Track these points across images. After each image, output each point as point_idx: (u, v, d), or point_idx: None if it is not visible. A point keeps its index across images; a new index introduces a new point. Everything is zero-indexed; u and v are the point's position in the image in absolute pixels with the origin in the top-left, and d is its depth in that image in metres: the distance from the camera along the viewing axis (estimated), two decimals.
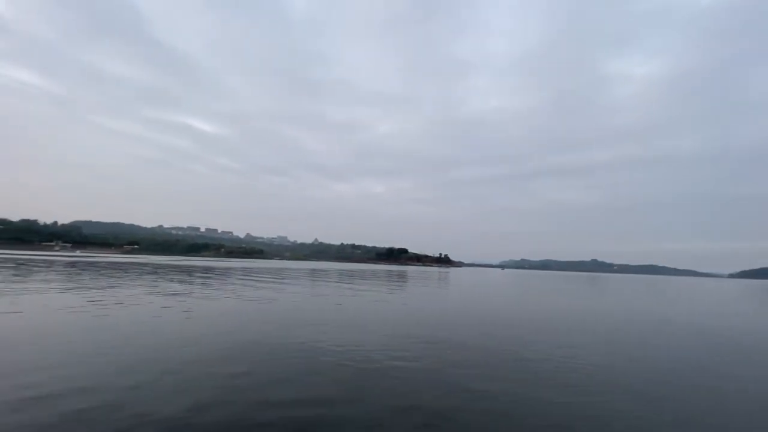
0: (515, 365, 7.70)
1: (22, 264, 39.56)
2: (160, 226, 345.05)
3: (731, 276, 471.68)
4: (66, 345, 7.75)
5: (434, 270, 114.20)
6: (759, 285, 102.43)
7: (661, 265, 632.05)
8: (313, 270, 63.01)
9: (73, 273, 29.54)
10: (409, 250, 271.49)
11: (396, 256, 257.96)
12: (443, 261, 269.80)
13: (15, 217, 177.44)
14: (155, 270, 38.36)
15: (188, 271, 40.38)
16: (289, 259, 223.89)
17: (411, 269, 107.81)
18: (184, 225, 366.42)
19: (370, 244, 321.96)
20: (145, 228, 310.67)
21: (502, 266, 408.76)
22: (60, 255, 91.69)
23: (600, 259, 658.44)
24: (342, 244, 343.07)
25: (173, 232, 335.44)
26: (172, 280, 26.03)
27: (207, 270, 43.87)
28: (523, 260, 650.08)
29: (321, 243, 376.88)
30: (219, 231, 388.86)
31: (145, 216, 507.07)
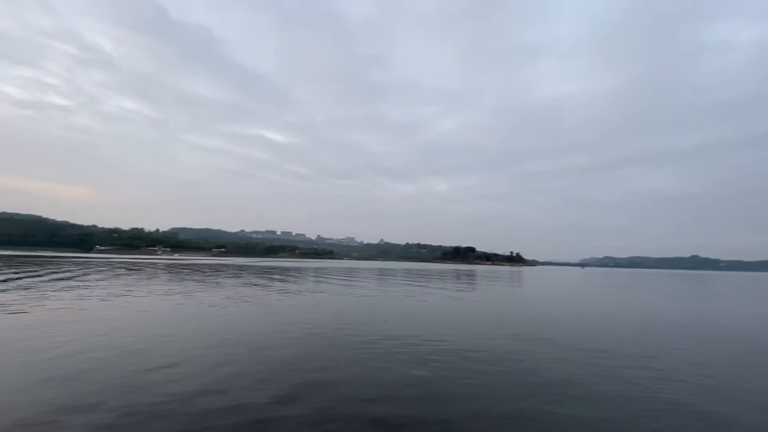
0: (607, 380, 6.58)
1: (137, 266, 45.66)
2: (242, 231, 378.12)
3: None
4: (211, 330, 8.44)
5: (505, 269, 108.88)
6: None
7: None
8: (381, 269, 63.81)
9: (195, 273, 33.27)
10: (477, 249, 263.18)
11: (463, 255, 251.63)
12: (515, 260, 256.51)
13: (126, 226, 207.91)
14: (240, 271, 41.76)
15: (280, 271, 43.29)
16: (357, 259, 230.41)
17: (480, 268, 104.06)
18: (263, 229, 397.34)
19: (435, 244, 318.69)
20: (230, 233, 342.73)
21: (582, 265, 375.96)
22: (162, 258, 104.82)
23: (703, 255, 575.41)
24: (407, 243, 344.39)
25: (253, 235, 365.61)
26: (273, 280, 27.93)
27: (294, 270, 46.65)
28: (607, 258, 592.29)
29: (387, 243, 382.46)
30: (293, 234, 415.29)
31: (230, 221, 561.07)
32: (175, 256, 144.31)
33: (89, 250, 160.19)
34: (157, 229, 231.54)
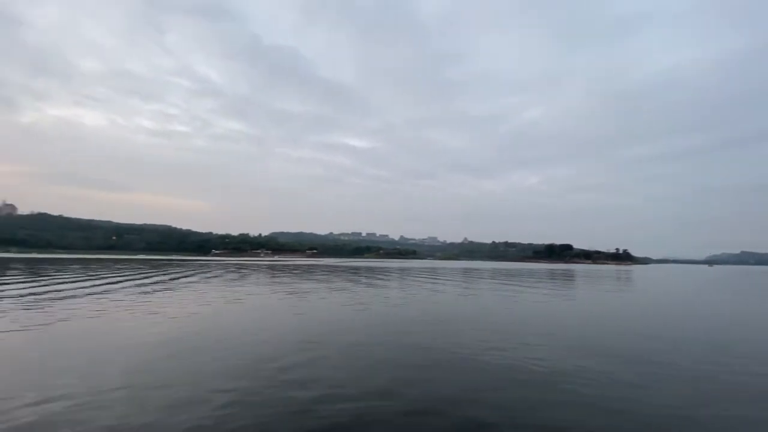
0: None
1: (252, 267, 51.51)
2: (331, 233, 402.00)
3: None
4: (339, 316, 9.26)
5: (610, 268, 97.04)
6: None
7: None
8: (466, 269, 61.99)
9: (304, 274, 36.74)
10: (575, 246, 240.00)
11: (558, 253, 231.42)
12: (622, 258, 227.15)
13: (235, 232, 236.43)
14: (332, 270, 44.39)
15: (368, 270, 45.19)
16: (440, 259, 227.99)
17: (579, 268, 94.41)
18: (349, 231, 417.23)
19: (525, 242, 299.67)
20: (321, 235, 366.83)
21: (709, 262, 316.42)
22: (265, 260, 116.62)
23: None
24: (493, 242, 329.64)
25: (341, 237, 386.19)
26: (373, 278, 29.36)
27: (380, 269, 48.24)
28: (744, 253, 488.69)
29: (471, 242, 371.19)
30: (377, 234, 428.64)
31: (320, 225, 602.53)
32: (275, 257, 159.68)
33: (207, 253, 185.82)
34: (260, 234, 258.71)
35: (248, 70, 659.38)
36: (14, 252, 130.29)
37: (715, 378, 6.24)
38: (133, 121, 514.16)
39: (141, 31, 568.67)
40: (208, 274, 32.25)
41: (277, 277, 31.65)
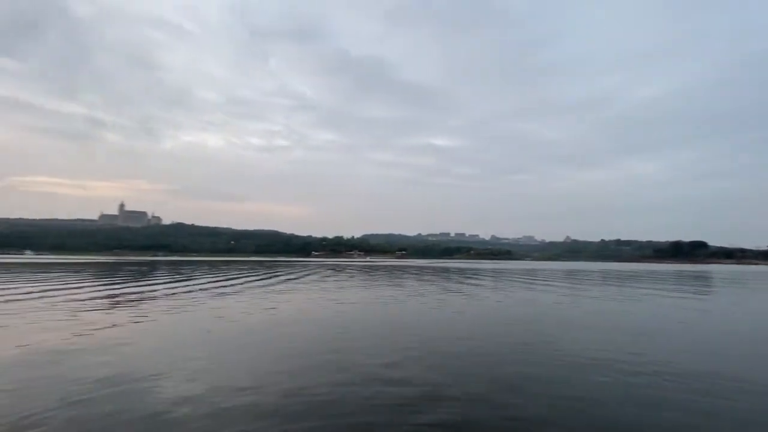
0: None
1: (340, 268, 54.28)
2: (419, 234, 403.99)
3: None
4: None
5: (763, 270, 78.07)
6: None
7: None
8: (569, 270, 55.81)
9: (420, 276, 37.74)
10: (709, 244, 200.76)
11: (687, 252, 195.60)
12: None
13: (330, 234, 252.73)
14: (420, 271, 44.02)
15: (460, 272, 44.01)
16: (538, 260, 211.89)
17: (716, 269, 77.86)
18: (437, 232, 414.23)
19: (642, 239, 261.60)
20: (409, 236, 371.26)
21: None
22: (357, 260, 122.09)
23: None
24: (602, 240, 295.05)
25: (429, 238, 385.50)
26: (462, 281, 28.63)
27: (471, 271, 46.54)
28: None
29: (574, 241, 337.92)
30: (466, 235, 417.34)
31: (408, 226, 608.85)
32: (367, 258, 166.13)
33: (308, 254, 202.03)
34: (353, 236, 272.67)
35: (338, 82, 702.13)
36: (161, 255, 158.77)
37: None
38: (244, 140, 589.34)
39: (247, 60, 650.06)
40: (323, 274, 34.57)
41: (373, 276, 32.38)
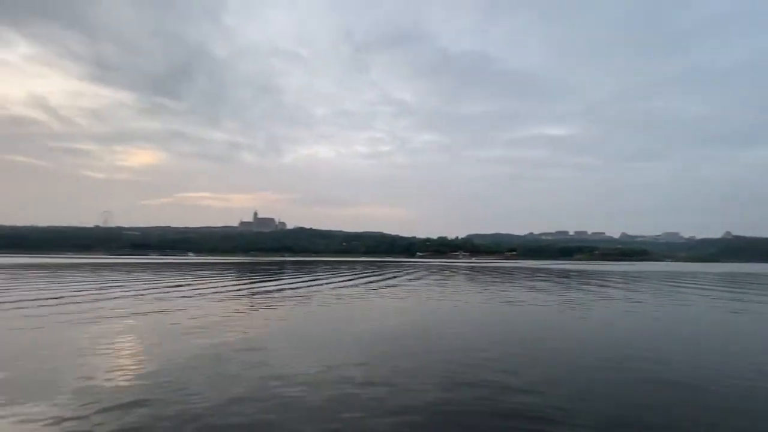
0: None
1: (449, 269, 53.60)
2: (531, 233, 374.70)
3: None
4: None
5: None
6: None
7: None
8: (733, 275, 44.54)
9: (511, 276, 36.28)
10: None
11: None
12: None
13: (434, 235, 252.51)
14: (533, 272, 40.42)
15: (581, 275, 39.55)
16: (684, 260, 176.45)
17: None
18: (552, 230, 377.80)
19: None
20: (519, 236, 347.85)
21: None
22: (463, 261, 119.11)
23: None
24: None
25: (542, 237, 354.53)
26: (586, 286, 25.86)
27: (597, 274, 41.24)
28: None
29: (737, 237, 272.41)
30: (588, 233, 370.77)
31: (517, 225, 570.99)
32: (473, 259, 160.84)
33: (413, 255, 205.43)
34: (456, 237, 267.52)
35: (436, 83, 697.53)
36: (286, 256, 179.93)
37: None
38: (351, 149, 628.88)
39: (351, 75, 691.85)
40: (443, 275, 34.83)
41: (479, 277, 30.99)
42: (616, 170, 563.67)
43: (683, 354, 7.58)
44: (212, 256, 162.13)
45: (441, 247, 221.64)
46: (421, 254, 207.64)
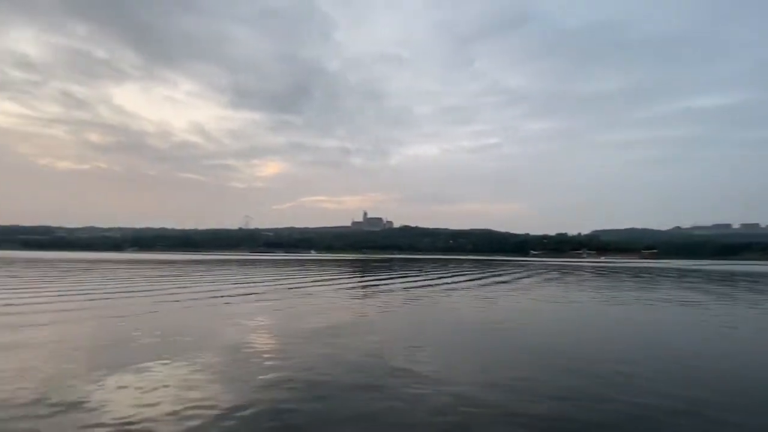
0: None
1: (572, 270, 48.06)
2: (677, 228, 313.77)
3: None
4: None
5: None
6: None
7: None
8: None
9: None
10: None
11: None
12: None
13: (552, 232, 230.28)
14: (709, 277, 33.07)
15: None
16: None
17: None
18: (707, 223, 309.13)
19: None
20: (660, 231, 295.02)
21: None
22: (588, 261, 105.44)
23: None
24: None
25: (693, 232, 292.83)
26: None
27: None
28: None
29: None
30: (761, 225, 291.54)
31: (658, 218, 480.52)
32: (601, 258, 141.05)
33: (526, 254, 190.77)
34: (579, 233, 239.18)
35: (552, 63, 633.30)
36: (394, 253, 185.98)
37: None
38: (455, 145, 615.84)
39: (453, 69, 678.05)
40: (575, 278, 31.88)
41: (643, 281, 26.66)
42: None
43: None
44: (330, 253, 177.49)
45: (560, 245, 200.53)
46: (535, 252, 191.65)
